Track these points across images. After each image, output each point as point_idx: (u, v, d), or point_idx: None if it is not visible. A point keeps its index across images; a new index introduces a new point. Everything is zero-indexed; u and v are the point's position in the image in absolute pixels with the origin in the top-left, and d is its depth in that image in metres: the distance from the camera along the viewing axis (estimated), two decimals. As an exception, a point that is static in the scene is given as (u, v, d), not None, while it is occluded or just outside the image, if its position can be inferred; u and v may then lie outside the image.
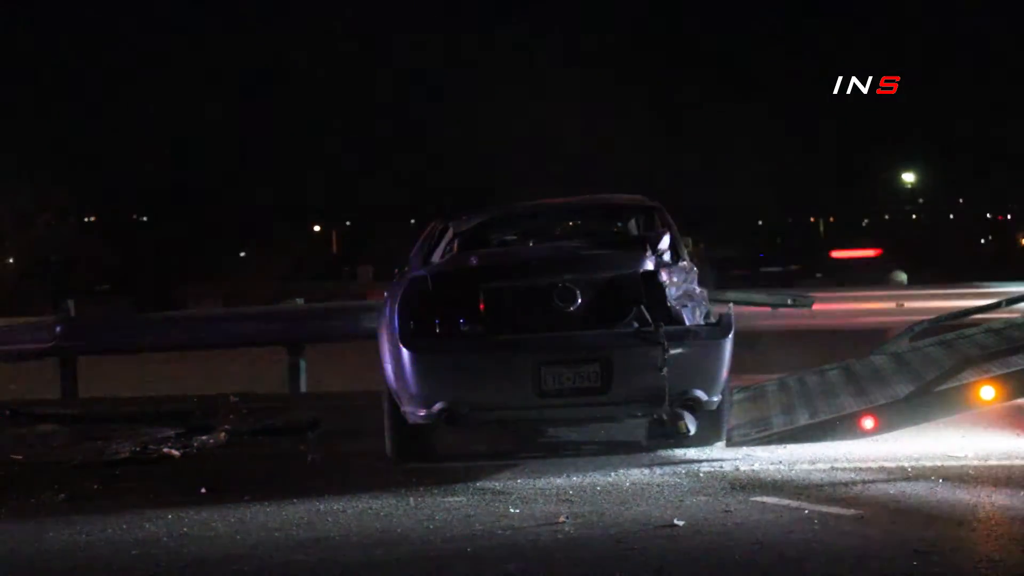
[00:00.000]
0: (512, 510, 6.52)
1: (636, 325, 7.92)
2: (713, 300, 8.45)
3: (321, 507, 6.77)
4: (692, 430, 7.90)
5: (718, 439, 8.40)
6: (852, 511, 6.20)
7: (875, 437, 8.38)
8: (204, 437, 9.55)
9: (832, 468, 7.54)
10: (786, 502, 6.50)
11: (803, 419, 8.81)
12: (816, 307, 10.93)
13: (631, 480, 7.32)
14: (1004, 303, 10.83)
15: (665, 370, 7.63)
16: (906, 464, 7.56)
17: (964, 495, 6.56)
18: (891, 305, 13.54)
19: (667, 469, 7.66)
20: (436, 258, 8.53)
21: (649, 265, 8.04)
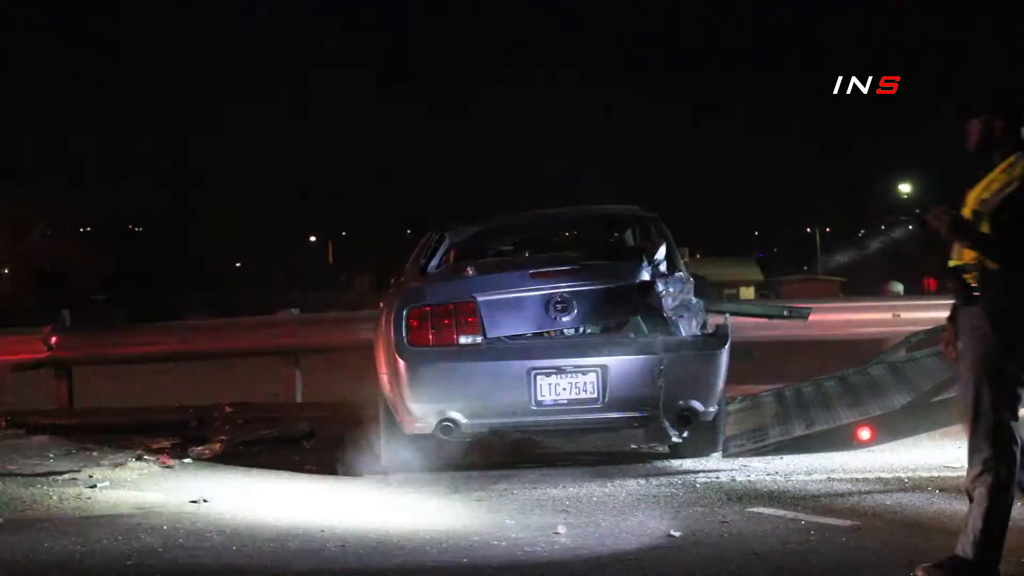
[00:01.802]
0: (508, 521, 6.51)
1: (632, 335, 7.94)
2: (709, 311, 8.46)
3: (316, 518, 6.75)
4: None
5: (714, 450, 8.42)
6: (849, 522, 6.20)
7: (872, 448, 8.39)
8: (200, 447, 9.53)
9: (828, 479, 7.54)
10: (782, 513, 6.49)
11: (799, 430, 8.82)
12: (812, 318, 10.91)
13: (627, 491, 7.31)
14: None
15: (661, 381, 7.65)
16: (903, 475, 7.56)
17: (961, 506, 6.52)
18: (888, 316, 13.54)
19: (663, 480, 7.66)
20: (433, 268, 8.52)
21: (645, 276, 8.05)
